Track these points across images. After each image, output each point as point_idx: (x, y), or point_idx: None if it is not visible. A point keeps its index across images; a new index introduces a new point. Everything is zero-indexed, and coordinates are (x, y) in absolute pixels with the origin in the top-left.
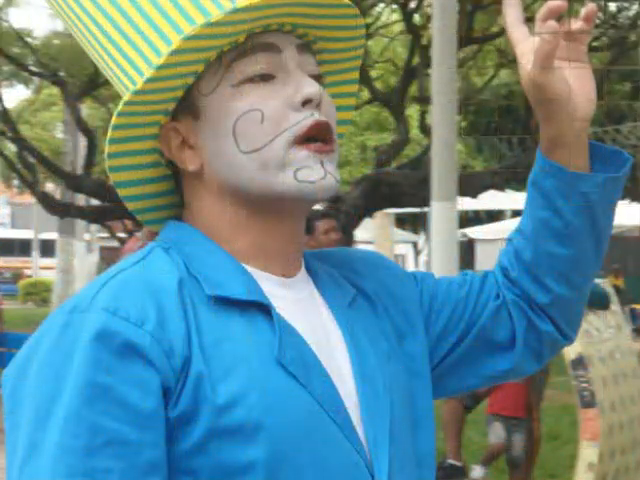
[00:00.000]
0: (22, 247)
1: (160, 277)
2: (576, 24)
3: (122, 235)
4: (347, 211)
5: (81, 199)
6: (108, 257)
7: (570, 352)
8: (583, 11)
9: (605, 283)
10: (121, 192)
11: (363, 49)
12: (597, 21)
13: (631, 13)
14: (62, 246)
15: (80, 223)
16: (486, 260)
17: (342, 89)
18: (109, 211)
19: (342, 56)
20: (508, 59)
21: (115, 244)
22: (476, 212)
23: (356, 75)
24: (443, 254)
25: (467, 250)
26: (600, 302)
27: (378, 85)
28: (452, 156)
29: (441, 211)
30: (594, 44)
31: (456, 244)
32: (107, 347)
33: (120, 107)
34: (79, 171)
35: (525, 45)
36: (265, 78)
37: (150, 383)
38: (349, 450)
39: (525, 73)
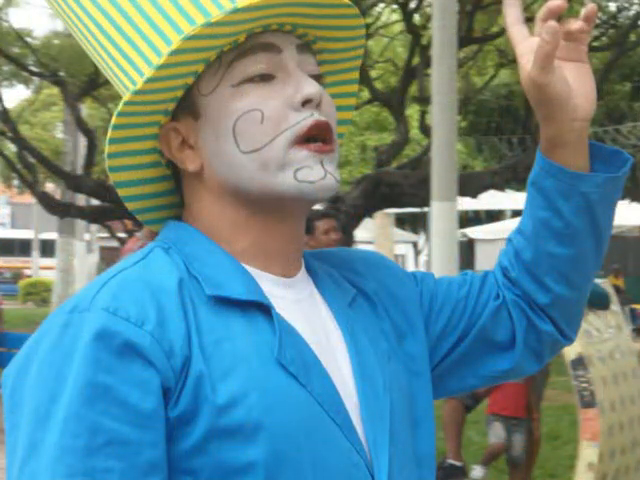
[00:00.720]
0: (22, 247)
1: (160, 277)
2: (576, 24)
3: (122, 235)
4: (347, 211)
5: (81, 199)
6: (108, 257)
7: (570, 352)
8: (583, 11)
9: (605, 283)
10: (121, 192)
11: (363, 49)
12: (597, 21)
13: (631, 13)
14: (62, 246)
15: (80, 223)
16: (486, 260)
17: (342, 89)
18: (109, 211)
19: (342, 56)
20: (508, 59)
21: (115, 244)
22: (476, 212)
23: (356, 75)
24: (443, 254)
25: (467, 250)
26: (600, 302)
27: (378, 85)
28: (452, 156)
29: (441, 211)
30: (594, 44)
31: (456, 244)
32: (107, 347)
33: (120, 107)
34: (79, 171)
35: (525, 45)
36: (265, 78)
37: (150, 383)
38: (349, 450)
39: (525, 73)
